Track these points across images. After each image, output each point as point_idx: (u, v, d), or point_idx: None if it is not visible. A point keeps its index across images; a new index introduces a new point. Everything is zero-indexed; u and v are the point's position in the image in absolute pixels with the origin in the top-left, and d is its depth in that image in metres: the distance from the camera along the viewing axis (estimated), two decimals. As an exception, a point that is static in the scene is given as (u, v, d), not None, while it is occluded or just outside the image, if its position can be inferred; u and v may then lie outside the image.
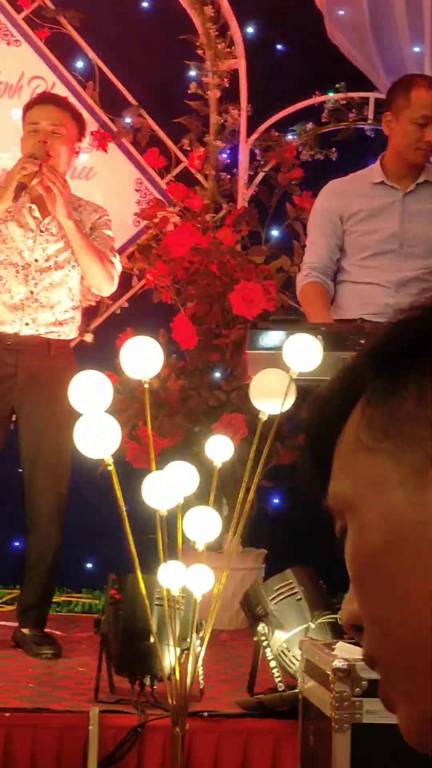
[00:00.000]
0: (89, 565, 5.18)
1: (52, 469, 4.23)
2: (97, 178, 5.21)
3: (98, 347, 4.61)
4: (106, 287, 4.29)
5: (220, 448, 3.37)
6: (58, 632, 4.46)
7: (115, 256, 4.33)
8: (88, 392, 3.02)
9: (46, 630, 4.30)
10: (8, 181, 4.12)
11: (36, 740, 3.32)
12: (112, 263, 4.27)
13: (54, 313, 4.25)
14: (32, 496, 4.27)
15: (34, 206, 4.25)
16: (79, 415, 3.01)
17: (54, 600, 4.57)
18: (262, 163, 5.20)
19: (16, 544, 5.10)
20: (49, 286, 4.24)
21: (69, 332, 4.31)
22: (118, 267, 4.33)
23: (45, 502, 4.25)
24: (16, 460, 4.56)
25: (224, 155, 5.20)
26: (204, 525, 3.22)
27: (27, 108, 4.35)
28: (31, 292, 4.22)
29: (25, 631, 4.23)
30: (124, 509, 3.11)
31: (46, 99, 4.42)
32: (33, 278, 4.23)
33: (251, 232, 5.05)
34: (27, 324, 4.22)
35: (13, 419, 4.27)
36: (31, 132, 4.25)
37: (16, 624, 4.33)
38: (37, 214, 4.26)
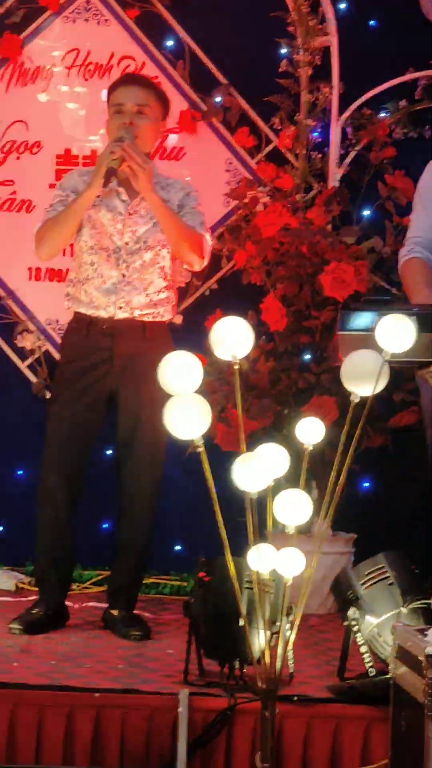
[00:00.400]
0: (177, 548, 5.17)
1: (148, 453, 4.22)
2: (186, 158, 5.18)
3: (187, 329, 4.58)
4: (197, 261, 4.25)
5: (311, 430, 3.32)
6: (146, 614, 4.46)
7: (205, 230, 4.29)
8: (178, 373, 3.00)
9: (135, 612, 4.30)
10: (98, 167, 4.10)
11: (125, 721, 3.32)
12: (201, 236, 4.23)
13: (147, 294, 4.23)
14: (127, 479, 4.26)
15: (122, 189, 4.23)
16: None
17: (143, 582, 4.56)
18: (353, 141, 5.12)
19: (105, 526, 5.11)
20: (140, 268, 4.22)
21: (164, 313, 4.29)
22: (209, 240, 4.29)
23: (140, 485, 4.25)
24: (108, 443, 4.57)
25: (315, 134, 5.13)
26: (295, 508, 3.18)
27: (111, 89, 4.32)
28: (123, 275, 4.20)
29: (115, 612, 4.24)
30: (214, 491, 3.08)
31: (129, 80, 4.38)
32: (124, 261, 4.21)
33: (342, 212, 4.98)
34: (121, 308, 4.21)
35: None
36: (115, 114, 4.23)
37: (105, 605, 4.34)
38: (125, 197, 4.24)
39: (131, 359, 4.20)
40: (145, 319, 4.23)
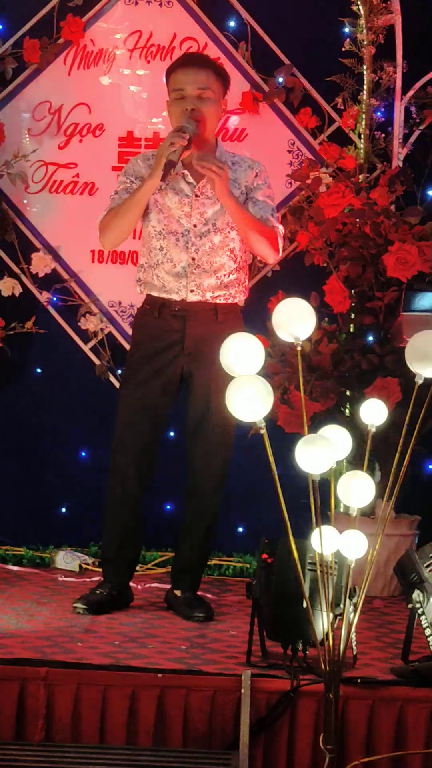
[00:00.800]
0: (240, 529, 5.17)
1: (218, 435, 4.22)
2: (248, 139, 5.15)
3: (249, 311, 4.57)
4: (271, 255, 4.27)
5: (374, 412, 3.31)
6: (209, 595, 4.47)
7: (278, 220, 4.28)
8: (239, 356, 2.99)
9: (199, 593, 4.31)
10: (158, 158, 4.07)
11: (188, 702, 3.33)
12: (274, 229, 4.22)
13: (218, 277, 4.22)
14: (196, 461, 4.27)
15: (186, 172, 4.21)
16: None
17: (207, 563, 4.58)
18: (417, 120, 5.07)
19: (168, 507, 5.13)
20: (209, 251, 4.21)
21: (236, 294, 4.28)
22: (281, 231, 4.29)
23: (208, 466, 4.25)
24: (173, 424, 4.58)
25: (378, 114, 5.08)
26: (358, 490, 3.17)
27: (170, 71, 4.27)
28: (193, 259, 4.20)
29: (178, 593, 4.25)
30: (276, 473, 3.08)
31: (188, 61, 4.31)
32: (193, 244, 4.20)
33: (406, 192, 4.93)
34: (192, 290, 4.20)
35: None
36: (177, 99, 4.21)
37: (168, 586, 4.36)
38: (190, 179, 4.23)
39: (203, 341, 4.19)
40: (218, 301, 4.23)
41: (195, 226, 4.21)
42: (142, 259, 4.30)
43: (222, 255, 4.22)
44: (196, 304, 4.21)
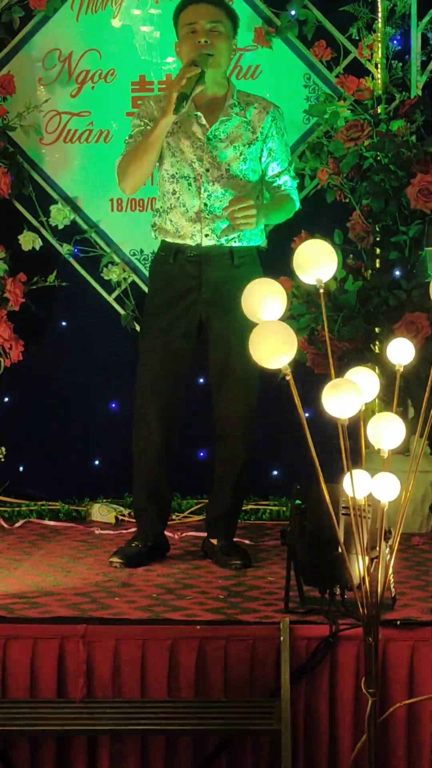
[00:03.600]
0: (275, 473, 5.14)
1: (241, 380, 4.17)
2: (263, 76, 5.05)
3: (273, 251, 4.49)
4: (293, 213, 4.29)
5: (401, 351, 3.24)
6: (246, 541, 4.45)
7: (293, 167, 4.29)
8: (261, 302, 2.93)
9: (235, 539, 4.29)
10: (169, 93, 4.00)
11: (228, 652, 3.32)
12: (291, 193, 4.23)
13: (232, 221, 4.15)
14: (221, 407, 4.23)
15: (199, 113, 4.13)
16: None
17: (242, 509, 4.55)
18: (436, 46, 4.95)
19: (202, 454, 5.10)
20: (222, 197, 4.13)
21: (252, 237, 4.21)
22: (296, 183, 4.30)
23: (234, 413, 4.21)
24: (202, 372, 4.54)
25: (395, 42, 4.96)
26: (388, 432, 3.11)
27: (180, 8, 4.18)
28: (205, 204, 4.13)
29: (214, 541, 4.23)
30: (307, 416, 3.03)
31: None
32: (206, 190, 4.13)
33: (426, 121, 4.82)
34: (207, 235, 4.14)
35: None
36: (188, 34, 4.12)
37: (204, 534, 4.34)
38: (203, 121, 4.15)
39: (220, 286, 4.14)
40: (233, 244, 4.16)
41: (207, 170, 4.13)
42: (157, 203, 4.24)
43: (245, 197, 4.12)
44: (211, 248, 4.14)
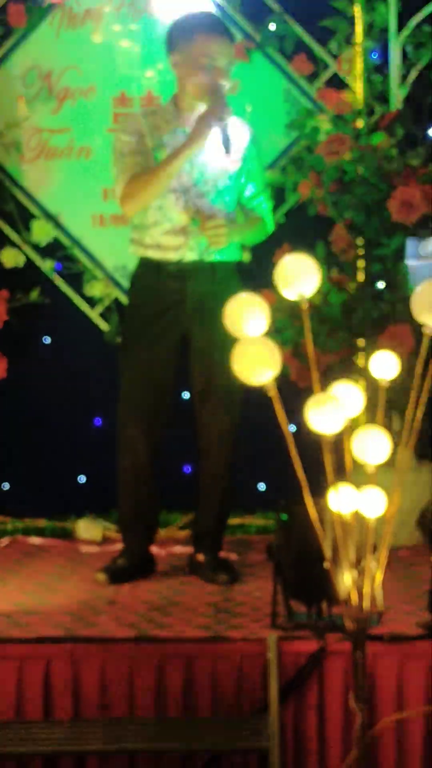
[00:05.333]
0: (262, 487, 5.13)
1: (224, 396, 4.16)
2: (243, 91, 5.04)
3: (256, 265, 4.49)
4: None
5: (384, 366, 3.24)
6: (233, 555, 4.43)
7: (268, 194, 4.33)
8: (243, 317, 2.93)
9: (221, 554, 4.28)
10: (201, 127, 4.00)
11: (216, 670, 3.31)
12: (262, 219, 4.25)
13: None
14: (204, 422, 4.22)
15: (187, 129, 4.11)
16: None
17: (228, 523, 4.53)
18: (414, 61, 4.96)
19: (187, 469, 5.09)
20: (209, 212, 4.12)
21: (233, 253, 4.21)
22: (270, 207, 4.33)
23: (217, 427, 4.20)
24: (187, 386, 4.52)
25: (374, 56, 4.97)
26: (373, 446, 3.10)
27: (188, 33, 4.09)
28: (192, 219, 4.12)
29: (200, 557, 4.22)
30: (293, 430, 3.03)
31: (215, 28, 4.14)
32: (194, 204, 4.12)
33: (407, 134, 4.83)
34: (191, 250, 4.13)
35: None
36: (205, 68, 4.05)
37: (191, 550, 4.33)
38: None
39: (203, 300, 4.13)
40: (215, 258, 4.16)
41: (196, 185, 4.12)
42: (137, 219, 4.20)
43: (220, 215, 4.12)
44: (193, 263, 4.14)
